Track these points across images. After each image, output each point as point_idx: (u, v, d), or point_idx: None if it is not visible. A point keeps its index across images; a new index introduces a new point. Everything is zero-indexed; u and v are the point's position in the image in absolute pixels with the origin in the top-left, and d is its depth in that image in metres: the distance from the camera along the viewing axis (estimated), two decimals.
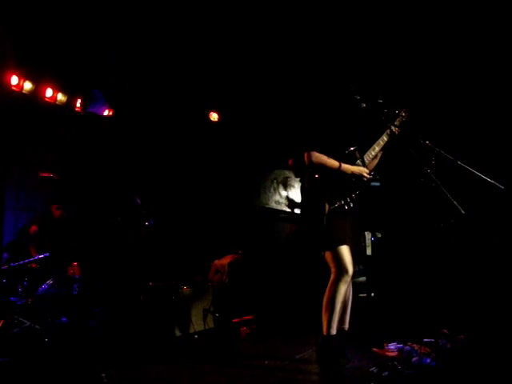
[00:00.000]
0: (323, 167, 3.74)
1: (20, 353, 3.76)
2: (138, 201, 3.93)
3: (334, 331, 3.61)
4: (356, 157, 3.85)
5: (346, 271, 3.64)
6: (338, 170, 3.74)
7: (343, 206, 3.68)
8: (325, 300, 3.66)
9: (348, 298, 3.83)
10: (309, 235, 3.97)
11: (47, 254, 4.65)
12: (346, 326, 3.80)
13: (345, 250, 3.67)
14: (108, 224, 3.69)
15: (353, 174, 3.77)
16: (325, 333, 3.61)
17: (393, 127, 3.85)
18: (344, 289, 3.65)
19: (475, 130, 5.43)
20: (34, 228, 5.28)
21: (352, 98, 3.69)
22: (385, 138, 3.94)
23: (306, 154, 3.76)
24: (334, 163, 3.74)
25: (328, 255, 3.72)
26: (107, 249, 3.70)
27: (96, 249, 3.72)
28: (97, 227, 3.72)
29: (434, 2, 5.32)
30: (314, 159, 3.74)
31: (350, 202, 3.72)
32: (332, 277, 3.68)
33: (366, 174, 3.79)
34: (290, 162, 4.22)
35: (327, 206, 3.65)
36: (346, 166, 3.77)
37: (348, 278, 3.67)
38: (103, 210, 3.68)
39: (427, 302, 4.65)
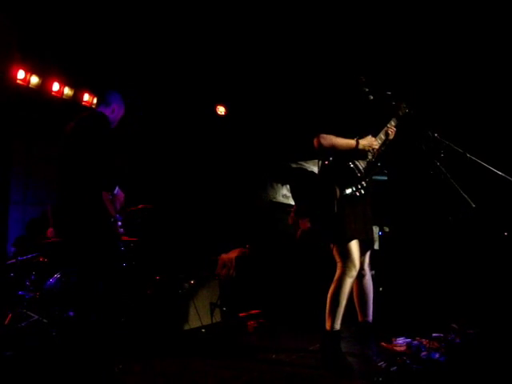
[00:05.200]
0: (334, 149, 3.66)
1: (27, 346, 3.77)
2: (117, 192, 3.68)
3: (338, 326, 3.57)
4: None
5: (353, 266, 3.58)
6: (348, 146, 3.66)
7: (355, 192, 3.61)
8: (330, 295, 3.60)
9: (369, 291, 3.82)
10: (318, 227, 3.90)
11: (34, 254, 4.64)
12: (370, 317, 3.82)
13: (354, 246, 3.60)
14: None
15: (363, 149, 3.69)
16: (328, 328, 3.56)
17: (389, 126, 3.79)
18: (350, 283, 3.59)
19: (485, 123, 5.37)
20: (50, 230, 5.19)
21: (360, 89, 3.63)
22: (382, 136, 3.84)
23: (315, 140, 3.67)
24: (343, 140, 3.66)
25: (335, 249, 3.68)
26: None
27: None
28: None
29: None
30: (324, 141, 3.64)
31: (361, 189, 3.64)
32: (338, 271, 3.62)
33: (374, 143, 3.72)
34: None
35: (338, 193, 3.58)
36: (354, 140, 3.67)
37: (355, 273, 3.60)
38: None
39: (436, 297, 4.61)
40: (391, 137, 3.82)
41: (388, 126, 3.83)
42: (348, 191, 3.59)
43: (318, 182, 3.84)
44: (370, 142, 3.71)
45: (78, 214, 3.51)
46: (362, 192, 3.63)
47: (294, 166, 7.71)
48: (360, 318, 3.85)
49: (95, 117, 3.75)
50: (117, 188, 3.57)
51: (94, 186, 3.53)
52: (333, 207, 3.55)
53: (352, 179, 3.65)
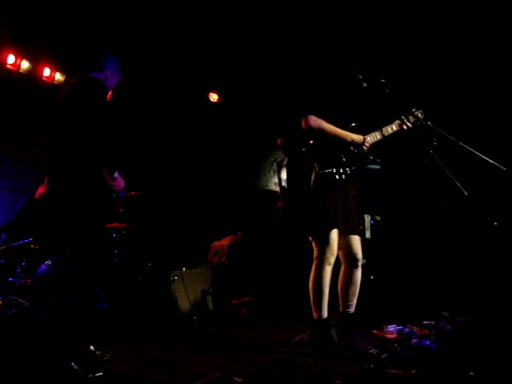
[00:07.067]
0: (322, 133, 3.55)
1: (18, 333, 3.75)
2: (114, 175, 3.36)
3: (325, 314, 3.55)
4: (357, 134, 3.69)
5: (331, 255, 3.51)
6: (337, 136, 3.58)
7: (334, 174, 3.50)
8: (311, 285, 3.56)
9: (358, 283, 3.71)
10: (294, 214, 3.74)
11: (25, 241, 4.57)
12: (353, 309, 3.73)
13: (334, 234, 3.52)
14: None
15: (352, 142, 3.61)
16: (316, 317, 3.56)
17: (405, 121, 3.65)
18: (330, 270, 3.52)
19: (478, 111, 5.37)
20: (41, 189, 4.96)
21: (354, 76, 3.60)
22: (394, 127, 3.77)
23: (303, 120, 3.55)
24: (333, 128, 3.57)
25: (313, 237, 3.60)
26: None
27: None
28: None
29: None
30: (312, 123, 3.53)
31: (343, 174, 3.54)
32: (316, 260, 3.56)
33: (366, 143, 3.64)
34: (279, 141, 3.90)
35: (315, 172, 3.45)
36: (346, 132, 3.61)
37: (333, 260, 3.53)
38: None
39: (427, 285, 4.64)
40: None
41: (387, 128, 3.79)
42: (327, 170, 3.49)
43: (295, 167, 3.69)
44: (359, 139, 3.63)
45: (78, 190, 3.13)
46: (343, 177, 3.52)
47: None
48: (341, 309, 3.75)
49: (90, 81, 3.28)
50: (116, 172, 3.26)
51: (92, 159, 3.13)
52: (309, 182, 3.43)
53: (335, 161, 3.56)
